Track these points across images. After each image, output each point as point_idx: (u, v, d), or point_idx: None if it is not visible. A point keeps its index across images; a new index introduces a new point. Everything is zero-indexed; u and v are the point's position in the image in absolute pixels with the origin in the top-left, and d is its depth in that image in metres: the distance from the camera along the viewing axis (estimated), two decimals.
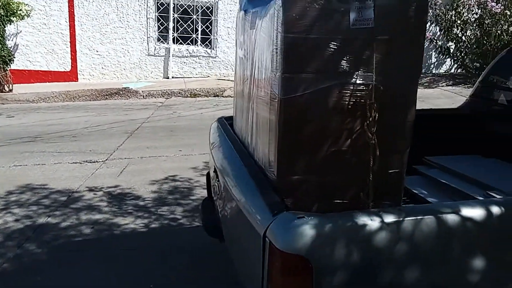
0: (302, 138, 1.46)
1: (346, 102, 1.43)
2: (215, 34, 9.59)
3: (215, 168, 1.95)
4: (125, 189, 3.98)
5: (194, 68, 9.74)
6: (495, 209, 1.35)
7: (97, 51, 9.23)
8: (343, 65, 1.42)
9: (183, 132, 5.95)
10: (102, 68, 9.36)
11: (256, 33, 1.65)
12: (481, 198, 1.76)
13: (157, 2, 9.24)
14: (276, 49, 1.42)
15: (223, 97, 8.54)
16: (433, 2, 9.08)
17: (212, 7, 9.49)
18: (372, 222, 1.22)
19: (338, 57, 1.41)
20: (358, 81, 1.43)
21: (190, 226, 3.31)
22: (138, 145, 5.33)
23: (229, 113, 2.55)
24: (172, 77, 9.57)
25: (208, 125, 2.62)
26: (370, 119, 1.41)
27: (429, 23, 9.46)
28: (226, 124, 2.32)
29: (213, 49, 9.68)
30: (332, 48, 1.39)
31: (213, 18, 9.54)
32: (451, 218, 1.28)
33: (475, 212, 1.32)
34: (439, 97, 8.23)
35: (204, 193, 3.84)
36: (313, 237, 1.17)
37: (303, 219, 1.20)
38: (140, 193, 3.90)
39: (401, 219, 1.24)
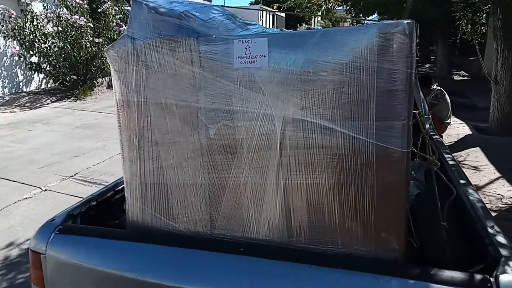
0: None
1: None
2: None
3: None
4: None
5: None
6: None
7: None
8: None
9: None
10: None
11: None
12: None
13: None
14: (389, 91, 1.06)
15: None
16: (6, 14, 7.99)
17: None
18: None
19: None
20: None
21: None
22: None
23: None
24: None
25: None
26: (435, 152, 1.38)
27: (7, 38, 8.32)
28: (94, 228, 1.36)
29: None
30: None
31: None
32: None
33: None
34: (59, 115, 7.57)
35: None
36: None
37: None
38: None
39: None
